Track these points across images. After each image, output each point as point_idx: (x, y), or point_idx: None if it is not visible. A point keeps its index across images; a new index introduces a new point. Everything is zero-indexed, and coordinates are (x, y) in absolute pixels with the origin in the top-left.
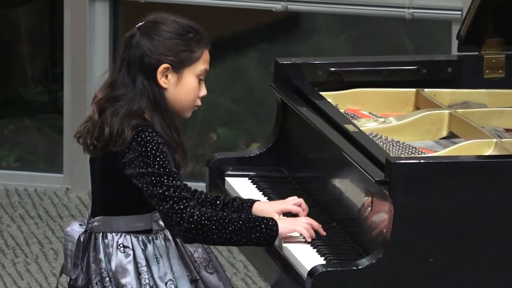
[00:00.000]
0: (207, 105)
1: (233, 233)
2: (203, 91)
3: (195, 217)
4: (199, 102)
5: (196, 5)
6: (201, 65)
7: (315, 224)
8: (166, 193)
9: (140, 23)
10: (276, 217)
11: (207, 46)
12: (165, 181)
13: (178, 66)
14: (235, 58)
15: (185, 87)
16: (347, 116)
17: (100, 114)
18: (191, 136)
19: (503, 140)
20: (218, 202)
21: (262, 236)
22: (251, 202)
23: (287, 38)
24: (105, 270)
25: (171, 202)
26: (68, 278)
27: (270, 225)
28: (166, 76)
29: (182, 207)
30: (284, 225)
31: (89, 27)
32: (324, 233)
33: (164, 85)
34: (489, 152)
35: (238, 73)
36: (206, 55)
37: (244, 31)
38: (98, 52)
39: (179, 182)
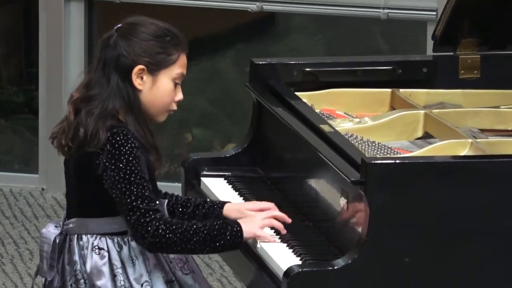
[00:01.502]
0: (183, 106)
1: (197, 243)
2: (179, 96)
3: (160, 231)
4: (174, 107)
5: (171, 5)
6: (177, 69)
7: (280, 215)
8: (134, 203)
9: (119, 25)
10: (247, 213)
11: (184, 50)
12: (135, 190)
13: (154, 68)
14: (211, 58)
15: (160, 90)
16: (323, 116)
17: (75, 115)
18: (166, 137)
19: (478, 140)
20: (189, 204)
21: (227, 243)
22: (222, 204)
23: (263, 39)
24: (79, 272)
25: (138, 214)
26: (43, 279)
27: (234, 231)
28: (142, 78)
29: (148, 220)
30: (249, 229)
31: (64, 28)
32: (289, 220)
33: (139, 87)
34: (464, 152)
35: (213, 74)
36: (183, 59)
37: (220, 31)
38: (73, 53)
39: (148, 192)
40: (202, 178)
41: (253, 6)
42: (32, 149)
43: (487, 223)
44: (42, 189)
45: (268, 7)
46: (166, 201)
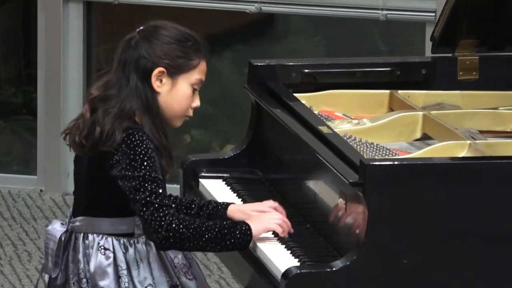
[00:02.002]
0: None
1: (209, 241)
2: (197, 102)
3: (173, 225)
4: (190, 113)
5: (170, 6)
6: (197, 75)
7: (287, 223)
8: (148, 199)
9: (141, 27)
10: (250, 214)
11: (205, 57)
12: (149, 187)
13: (174, 72)
14: (209, 59)
15: (178, 94)
16: (321, 118)
17: (92, 113)
18: None
19: (477, 141)
20: (193, 206)
21: (237, 242)
22: (226, 205)
23: (261, 40)
24: (82, 271)
25: (151, 209)
26: (47, 277)
27: (244, 229)
28: (161, 80)
29: (162, 214)
30: (257, 227)
31: (63, 28)
32: (292, 230)
33: (157, 89)
34: (463, 153)
35: (212, 75)
36: (203, 66)
37: (218, 32)
38: (72, 54)
39: (161, 189)
40: (201, 180)
41: (251, 7)
42: (30, 150)
43: (486, 225)
44: (41, 190)
45: (266, 8)
46: (173, 205)
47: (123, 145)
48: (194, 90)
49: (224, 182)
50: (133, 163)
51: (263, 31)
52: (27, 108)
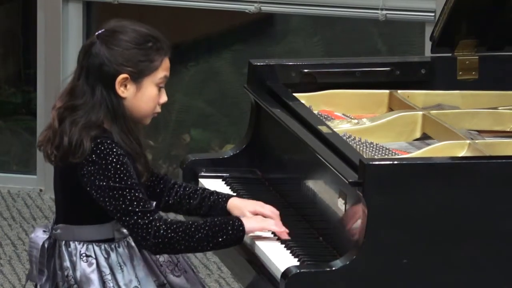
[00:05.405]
0: (181, 107)
1: (200, 240)
2: (163, 98)
3: (162, 231)
4: (159, 109)
5: (169, 6)
6: (161, 73)
7: (277, 230)
8: (130, 208)
9: (99, 31)
10: (247, 215)
11: (166, 54)
12: (127, 195)
13: (137, 76)
14: (209, 59)
15: (144, 96)
16: (321, 118)
17: (60, 123)
18: (164, 138)
19: (476, 141)
20: (196, 196)
21: (229, 238)
22: (227, 197)
23: (261, 40)
24: (72, 277)
25: (135, 217)
26: (39, 286)
27: (236, 225)
28: (125, 86)
29: (147, 221)
30: (253, 224)
31: (62, 28)
32: (287, 237)
33: (122, 94)
34: (463, 153)
35: (211, 75)
36: (166, 63)
37: (218, 32)
38: (71, 54)
39: (141, 194)
40: (200, 179)
41: (251, 7)
42: (30, 150)
43: (486, 224)
44: (40, 190)
45: (266, 8)
46: (155, 202)
47: (94, 156)
48: (160, 88)
49: (224, 182)
50: (106, 172)
51: (262, 31)
52: (26, 108)
